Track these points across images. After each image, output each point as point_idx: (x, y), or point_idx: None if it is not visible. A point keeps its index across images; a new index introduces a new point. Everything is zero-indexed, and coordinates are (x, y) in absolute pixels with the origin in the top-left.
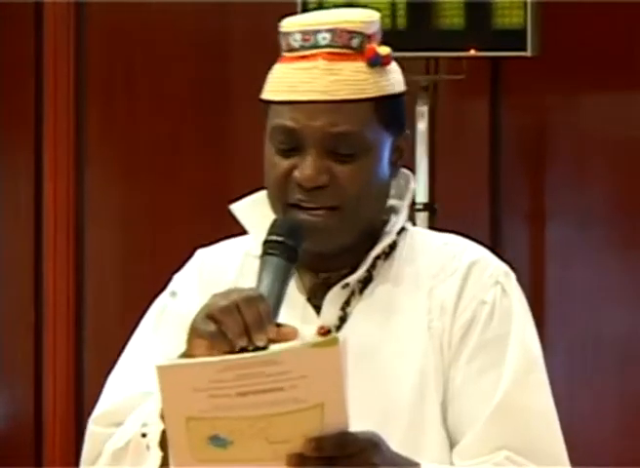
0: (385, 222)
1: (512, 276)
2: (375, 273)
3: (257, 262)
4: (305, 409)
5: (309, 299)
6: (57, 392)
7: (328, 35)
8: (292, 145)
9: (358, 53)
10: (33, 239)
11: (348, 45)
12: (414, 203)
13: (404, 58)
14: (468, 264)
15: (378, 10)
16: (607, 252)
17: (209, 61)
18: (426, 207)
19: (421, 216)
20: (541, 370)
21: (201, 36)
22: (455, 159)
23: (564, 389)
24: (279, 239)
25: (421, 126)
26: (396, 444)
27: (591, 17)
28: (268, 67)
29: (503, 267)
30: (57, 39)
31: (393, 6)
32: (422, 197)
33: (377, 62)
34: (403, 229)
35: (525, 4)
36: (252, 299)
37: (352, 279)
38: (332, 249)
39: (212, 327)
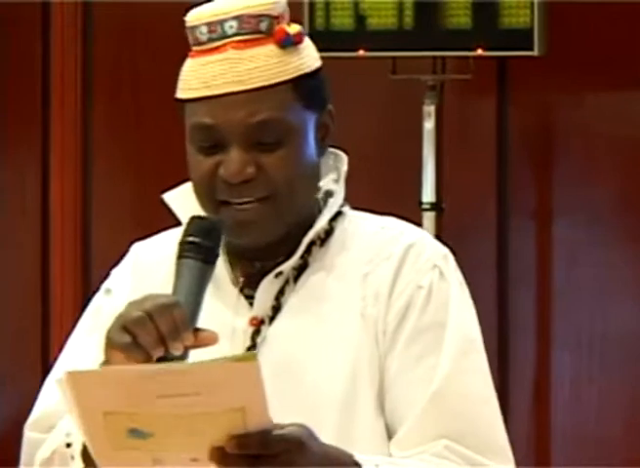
0: (322, 207)
1: (451, 258)
2: (310, 260)
3: None
4: (227, 411)
5: (242, 290)
6: None
7: (234, 23)
8: (213, 142)
9: (268, 36)
10: (40, 235)
11: (257, 29)
12: (420, 202)
13: (411, 58)
14: (405, 248)
15: (384, 9)
16: (614, 249)
17: None
18: (433, 206)
19: (429, 216)
20: (479, 354)
21: None
22: (462, 158)
23: (571, 387)
24: (195, 240)
25: (428, 125)
26: (329, 436)
27: (598, 16)
28: None
29: (442, 250)
30: (64, 37)
31: (400, 5)
32: (430, 196)
33: (288, 43)
34: (340, 213)
35: (532, 4)
36: (166, 307)
37: (286, 267)
38: (266, 240)
39: (126, 338)
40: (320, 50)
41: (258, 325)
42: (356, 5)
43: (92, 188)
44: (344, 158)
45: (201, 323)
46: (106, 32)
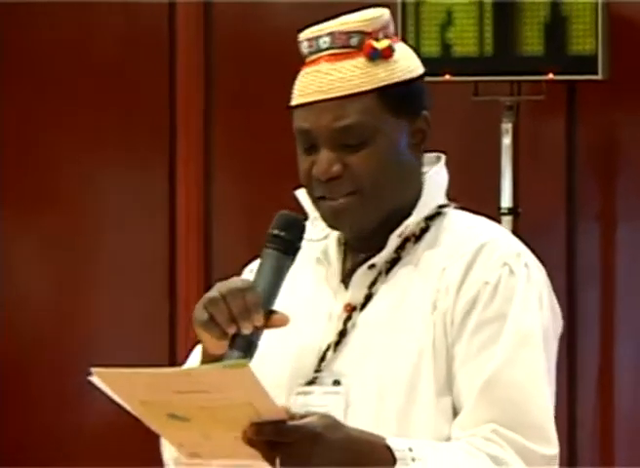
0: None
1: (525, 257)
2: (403, 254)
3: (313, 246)
4: (239, 405)
5: (344, 279)
6: None
7: (328, 39)
8: (309, 144)
9: (358, 50)
10: (168, 239)
11: (347, 44)
12: (499, 208)
13: (491, 82)
14: (478, 246)
15: (467, 38)
16: None
17: None
18: (511, 211)
19: (506, 219)
20: (534, 348)
21: None
22: (535, 169)
23: (634, 381)
24: (278, 233)
25: (506, 141)
26: (393, 414)
27: None
28: None
29: (516, 248)
30: (189, 52)
31: (481, 35)
32: (507, 202)
33: (375, 56)
34: (438, 213)
35: (596, 32)
36: (240, 290)
37: (378, 260)
38: (360, 230)
39: (205, 316)
40: None
41: (350, 311)
42: (442, 34)
43: (212, 195)
44: (444, 169)
45: (309, 304)
46: (227, 49)
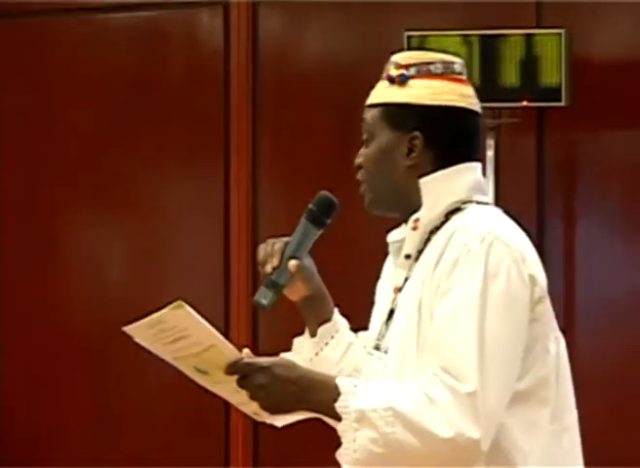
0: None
1: (489, 241)
2: (428, 245)
3: (397, 244)
4: (210, 348)
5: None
6: None
7: (386, 66)
8: None
9: (387, 77)
10: (223, 238)
11: (387, 72)
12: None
13: None
14: (450, 233)
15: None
16: (619, 244)
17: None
18: None
19: None
20: (469, 309)
21: None
22: (512, 177)
23: (587, 343)
24: (311, 207)
25: (489, 154)
26: (392, 368)
27: (611, 76)
28: None
29: (482, 233)
30: (239, 68)
31: (470, 68)
32: (490, 201)
33: (391, 80)
34: (458, 209)
35: (561, 68)
36: (272, 242)
37: (412, 251)
38: (372, 209)
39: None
40: None
41: (396, 293)
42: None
43: (259, 200)
44: (468, 170)
45: (385, 287)
46: (272, 79)
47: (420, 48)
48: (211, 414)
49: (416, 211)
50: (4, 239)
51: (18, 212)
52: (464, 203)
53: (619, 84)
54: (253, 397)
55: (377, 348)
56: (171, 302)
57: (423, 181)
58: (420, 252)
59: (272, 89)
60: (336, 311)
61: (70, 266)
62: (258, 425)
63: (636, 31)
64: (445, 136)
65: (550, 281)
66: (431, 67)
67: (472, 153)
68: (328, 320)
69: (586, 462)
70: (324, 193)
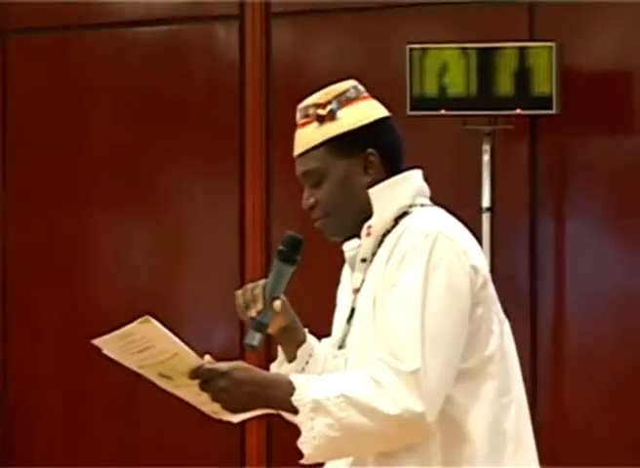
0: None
1: (434, 237)
2: (380, 248)
3: (353, 253)
4: (174, 356)
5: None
6: None
7: (299, 114)
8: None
9: (311, 118)
10: (238, 234)
11: (307, 114)
12: (480, 207)
13: (475, 115)
14: (400, 232)
15: (458, 83)
16: (608, 245)
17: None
18: (489, 209)
19: (486, 216)
20: (412, 297)
21: None
22: (507, 180)
23: (577, 327)
24: (281, 248)
25: (486, 158)
26: (354, 361)
27: (597, 85)
28: None
29: (427, 230)
30: (254, 79)
31: (468, 80)
32: (487, 203)
33: (321, 120)
34: (405, 213)
35: (552, 78)
36: (250, 287)
37: (368, 254)
38: (340, 237)
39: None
40: (414, 109)
41: (355, 293)
42: (439, 79)
43: (272, 201)
44: (411, 177)
45: (345, 292)
46: (284, 88)
47: (421, 59)
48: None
49: (364, 220)
50: (33, 237)
51: (47, 211)
52: (410, 207)
53: (605, 93)
54: (215, 399)
55: (340, 347)
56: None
57: (372, 191)
58: (374, 254)
59: (284, 98)
60: (306, 331)
61: (96, 263)
62: (271, 427)
63: (622, 44)
64: (388, 144)
65: (542, 276)
66: (347, 94)
67: (404, 154)
68: (303, 342)
69: (571, 446)
70: (290, 233)
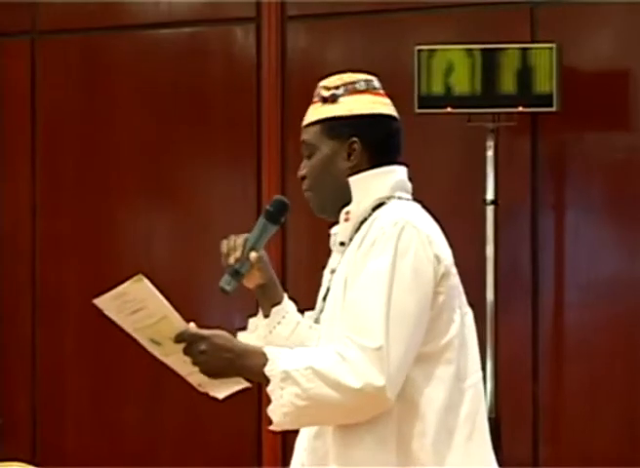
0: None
1: (402, 226)
2: (357, 233)
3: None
4: (161, 319)
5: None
6: None
7: (315, 92)
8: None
9: (319, 98)
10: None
11: (318, 94)
12: (484, 200)
13: (479, 113)
14: (371, 220)
15: (463, 82)
16: (604, 231)
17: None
18: (493, 202)
19: (490, 208)
20: (379, 279)
21: None
22: (510, 174)
23: (576, 315)
24: (268, 208)
25: (490, 153)
26: (326, 333)
27: (594, 84)
28: None
29: (396, 219)
30: (270, 88)
31: (472, 79)
32: (491, 196)
33: (324, 100)
34: (382, 204)
35: (552, 77)
36: (234, 238)
37: (346, 239)
38: (319, 212)
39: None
40: (422, 107)
41: (332, 274)
42: (445, 78)
43: (287, 189)
44: (392, 172)
45: (326, 272)
46: (299, 88)
47: (429, 60)
48: (245, 419)
49: (343, 205)
50: (62, 227)
51: (75, 203)
52: (388, 198)
53: (603, 92)
54: (194, 362)
55: (316, 321)
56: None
57: (352, 180)
58: (351, 239)
59: (299, 97)
60: (285, 295)
61: (121, 251)
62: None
63: (619, 45)
64: (375, 139)
65: (543, 265)
66: (356, 85)
67: (397, 151)
68: (279, 303)
69: (571, 427)
70: (279, 196)
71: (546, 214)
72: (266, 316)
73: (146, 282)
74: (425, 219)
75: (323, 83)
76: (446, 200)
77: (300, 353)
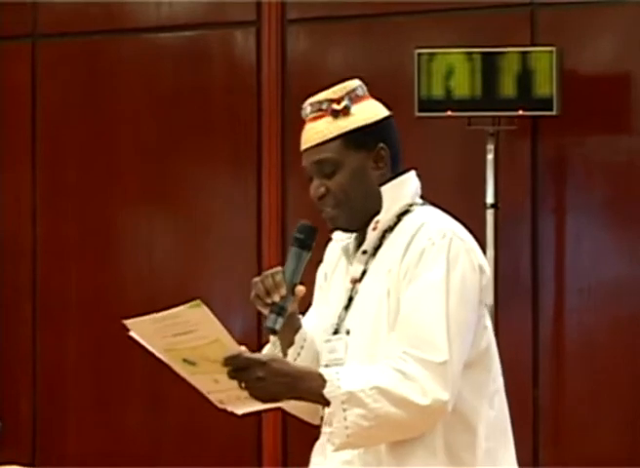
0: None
1: (449, 234)
2: (384, 241)
3: (345, 243)
4: (211, 342)
5: (352, 261)
6: None
7: (309, 107)
8: (308, 177)
9: (325, 112)
10: (256, 228)
11: (320, 109)
12: (485, 203)
13: (479, 117)
14: (415, 229)
15: (464, 85)
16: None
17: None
18: (493, 205)
19: (490, 212)
20: (435, 292)
21: None
22: (510, 177)
23: (576, 317)
24: (297, 236)
25: (490, 157)
26: (362, 352)
27: (593, 89)
28: None
29: (443, 229)
30: (271, 90)
31: (473, 82)
32: (491, 199)
33: (336, 114)
34: (407, 211)
35: (552, 81)
36: (270, 274)
37: (366, 247)
38: (347, 227)
39: (253, 294)
40: (422, 110)
41: (353, 283)
42: (446, 82)
43: (288, 193)
44: (412, 178)
45: (339, 281)
46: (299, 92)
47: (429, 63)
48: (245, 420)
49: (371, 215)
50: (63, 231)
51: (76, 208)
52: (411, 205)
53: (603, 95)
54: (248, 387)
55: (335, 332)
56: (192, 299)
57: (384, 189)
58: (375, 248)
59: (299, 99)
60: (301, 318)
61: (123, 255)
62: (287, 427)
63: (618, 49)
64: (395, 140)
65: (543, 268)
66: (357, 92)
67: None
68: (300, 327)
69: (571, 431)
70: (304, 222)
71: (547, 218)
72: (290, 343)
73: (205, 308)
74: (464, 230)
75: (322, 97)
76: (446, 203)
77: (360, 372)
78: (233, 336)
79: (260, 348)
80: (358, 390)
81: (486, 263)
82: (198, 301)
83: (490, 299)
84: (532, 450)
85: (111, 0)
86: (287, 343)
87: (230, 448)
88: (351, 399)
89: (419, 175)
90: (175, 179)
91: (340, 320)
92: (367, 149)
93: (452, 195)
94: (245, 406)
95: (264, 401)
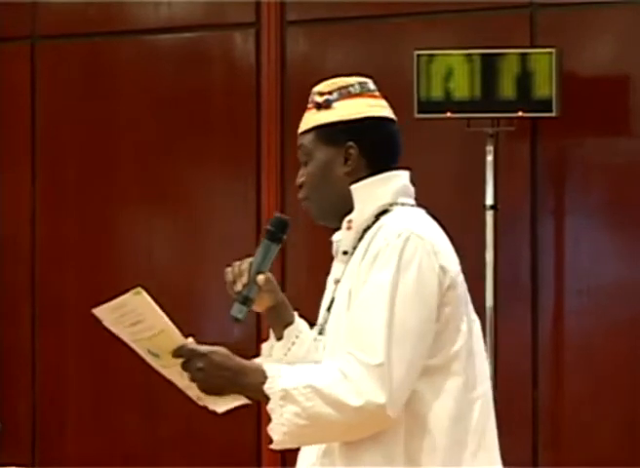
0: (384, 211)
1: (406, 236)
2: (361, 241)
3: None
4: (160, 333)
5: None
6: None
7: (309, 98)
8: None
9: (313, 104)
10: (255, 229)
11: (312, 100)
12: (484, 205)
13: (479, 118)
14: (375, 230)
15: (463, 86)
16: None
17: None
18: (492, 207)
19: (489, 213)
20: (380, 294)
21: None
22: (509, 179)
23: (576, 319)
24: (268, 228)
25: (489, 158)
26: (330, 345)
27: (592, 90)
28: None
29: (400, 230)
30: (270, 89)
31: (472, 84)
32: (490, 201)
33: (318, 107)
34: (386, 211)
35: (552, 82)
36: (238, 264)
37: (349, 248)
38: (320, 221)
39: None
40: (421, 112)
41: (336, 284)
42: (445, 84)
43: (286, 194)
44: (395, 177)
45: (330, 280)
46: (298, 93)
47: (428, 65)
48: (244, 420)
49: (345, 212)
50: (63, 230)
51: (75, 209)
52: (391, 205)
53: (602, 97)
54: (192, 379)
55: (320, 333)
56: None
57: (354, 187)
58: (354, 248)
59: (298, 101)
60: (295, 314)
61: (122, 257)
62: None
63: (618, 51)
64: (372, 142)
65: (542, 269)
66: (350, 89)
67: (396, 154)
68: (291, 323)
69: (571, 432)
70: (278, 215)
71: (546, 220)
72: (279, 338)
73: (145, 295)
74: (431, 228)
75: (317, 88)
76: (445, 205)
77: (301, 370)
78: (180, 320)
79: (258, 346)
80: (292, 388)
81: (452, 263)
82: (139, 289)
83: (462, 301)
84: (531, 451)
85: (111, 1)
86: (277, 337)
87: (230, 449)
88: (286, 396)
89: (417, 177)
90: (174, 180)
91: (324, 321)
92: (336, 145)
93: (451, 196)
94: (219, 403)
95: (209, 393)
